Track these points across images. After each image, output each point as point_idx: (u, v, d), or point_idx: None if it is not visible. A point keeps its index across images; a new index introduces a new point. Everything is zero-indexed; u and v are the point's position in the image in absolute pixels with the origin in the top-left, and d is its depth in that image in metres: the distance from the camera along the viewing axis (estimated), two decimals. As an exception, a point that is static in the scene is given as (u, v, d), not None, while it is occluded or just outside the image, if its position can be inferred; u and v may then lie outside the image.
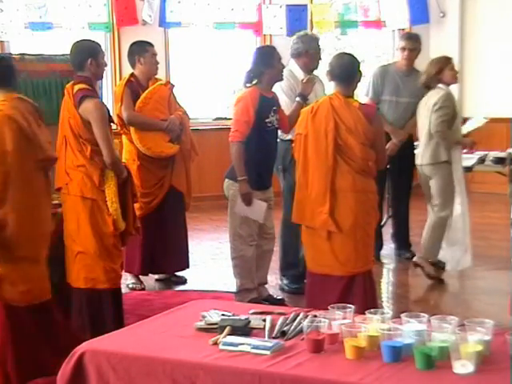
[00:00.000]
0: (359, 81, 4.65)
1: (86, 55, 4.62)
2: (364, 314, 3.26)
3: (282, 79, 5.37)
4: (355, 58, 4.71)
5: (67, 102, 4.61)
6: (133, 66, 6.04)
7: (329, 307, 3.29)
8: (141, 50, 6.00)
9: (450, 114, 5.94)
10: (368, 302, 4.46)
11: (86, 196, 4.52)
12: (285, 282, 5.90)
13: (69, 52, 4.73)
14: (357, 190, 4.50)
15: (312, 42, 5.86)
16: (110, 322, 4.48)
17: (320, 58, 5.91)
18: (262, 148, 5.16)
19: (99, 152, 4.51)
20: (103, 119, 4.55)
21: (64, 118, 4.61)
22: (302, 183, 4.64)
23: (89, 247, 4.52)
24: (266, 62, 5.18)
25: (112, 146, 4.58)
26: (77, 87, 4.57)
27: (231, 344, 3.04)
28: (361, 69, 4.66)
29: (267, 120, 5.18)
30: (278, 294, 5.68)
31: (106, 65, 4.81)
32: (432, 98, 5.99)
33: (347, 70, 4.58)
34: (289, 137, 5.51)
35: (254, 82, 5.21)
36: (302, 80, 5.52)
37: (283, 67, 5.33)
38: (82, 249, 4.53)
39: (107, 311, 4.61)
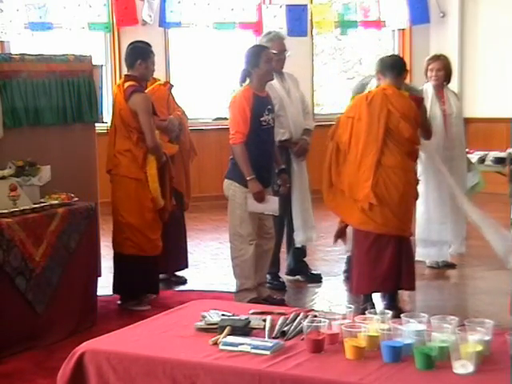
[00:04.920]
0: (405, 77, 5.32)
1: (136, 56, 5.44)
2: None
3: (272, 79, 5.37)
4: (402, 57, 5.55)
5: (118, 96, 5.38)
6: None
7: (329, 307, 3.29)
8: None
9: None
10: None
11: (132, 176, 5.31)
12: (268, 278, 5.89)
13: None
14: (401, 168, 5.05)
15: (270, 42, 5.74)
16: (140, 283, 5.45)
17: (283, 58, 5.83)
18: (258, 147, 5.16)
19: (143, 139, 5.29)
20: (148, 110, 5.33)
21: (115, 110, 5.38)
22: (350, 160, 5.09)
23: (133, 220, 5.33)
24: (252, 63, 5.19)
25: (154, 133, 5.34)
26: (127, 84, 5.34)
27: (231, 344, 3.03)
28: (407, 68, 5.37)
29: (262, 119, 5.19)
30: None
31: (153, 70, 5.60)
32: None
33: (399, 66, 5.22)
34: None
35: (247, 82, 5.23)
36: None
37: (272, 67, 5.30)
38: (128, 221, 5.34)
39: (146, 274, 5.47)
